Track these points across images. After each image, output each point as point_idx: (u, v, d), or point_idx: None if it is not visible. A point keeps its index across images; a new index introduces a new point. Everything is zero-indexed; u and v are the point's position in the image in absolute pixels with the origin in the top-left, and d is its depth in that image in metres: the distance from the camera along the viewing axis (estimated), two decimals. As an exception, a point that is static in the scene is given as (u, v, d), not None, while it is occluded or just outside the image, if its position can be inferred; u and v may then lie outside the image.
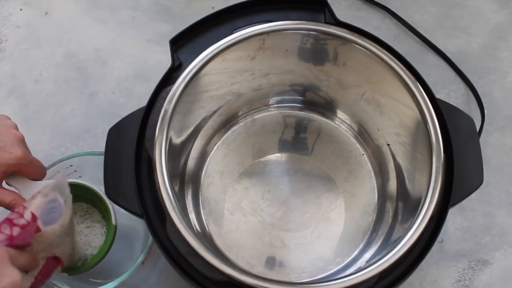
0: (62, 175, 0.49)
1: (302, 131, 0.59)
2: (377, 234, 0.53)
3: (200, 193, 0.56)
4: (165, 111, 0.48)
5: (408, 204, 0.51)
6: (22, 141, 0.50)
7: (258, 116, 0.59)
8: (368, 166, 0.58)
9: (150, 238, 0.52)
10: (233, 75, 0.54)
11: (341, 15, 0.53)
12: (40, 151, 0.63)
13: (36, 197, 0.44)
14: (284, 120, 0.59)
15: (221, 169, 0.57)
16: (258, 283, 0.42)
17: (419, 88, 0.49)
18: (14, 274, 0.40)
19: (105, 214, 0.56)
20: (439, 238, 0.49)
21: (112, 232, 0.54)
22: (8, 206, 0.49)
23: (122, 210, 0.48)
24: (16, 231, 0.41)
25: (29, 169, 0.50)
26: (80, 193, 0.55)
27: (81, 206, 0.58)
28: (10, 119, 0.51)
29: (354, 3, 0.73)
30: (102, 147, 0.49)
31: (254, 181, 0.57)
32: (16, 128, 0.50)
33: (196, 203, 0.56)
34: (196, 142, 0.56)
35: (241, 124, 0.59)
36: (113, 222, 0.54)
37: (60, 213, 0.45)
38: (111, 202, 0.53)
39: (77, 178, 0.58)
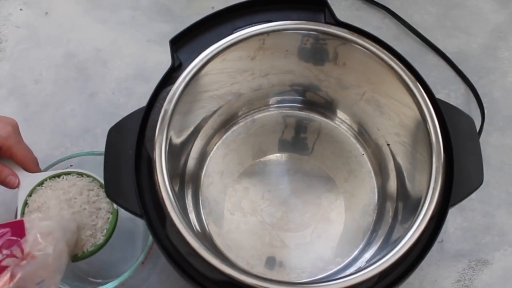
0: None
1: (302, 131, 0.59)
2: (377, 234, 0.53)
3: (200, 193, 0.56)
4: (165, 111, 0.47)
5: (408, 204, 0.51)
6: (15, 126, 0.54)
7: (258, 116, 0.59)
8: (368, 166, 0.58)
9: (150, 238, 0.52)
10: (233, 75, 0.54)
11: (341, 15, 0.53)
12: (40, 151, 0.62)
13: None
14: (284, 120, 0.59)
15: (221, 169, 0.57)
16: (258, 283, 0.42)
17: (419, 88, 0.49)
18: None
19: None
20: (439, 238, 0.49)
21: (115, 215, 0.52)
22: None
23: (122, 210, 0.48)
24: None
25: (18, 152, 0.52)
26: None
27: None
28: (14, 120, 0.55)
29: (354, 3, 0.73)
30: (102, 147, 0.49)
31: (254, 181, 0.57)
32: (16, 124, 0.54)
33: (196, 203, 0.55)
34: (196, 142, 0.56)
35: (241, 124, 0.59)
36: (115, 205, 0.53)
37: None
38: None
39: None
